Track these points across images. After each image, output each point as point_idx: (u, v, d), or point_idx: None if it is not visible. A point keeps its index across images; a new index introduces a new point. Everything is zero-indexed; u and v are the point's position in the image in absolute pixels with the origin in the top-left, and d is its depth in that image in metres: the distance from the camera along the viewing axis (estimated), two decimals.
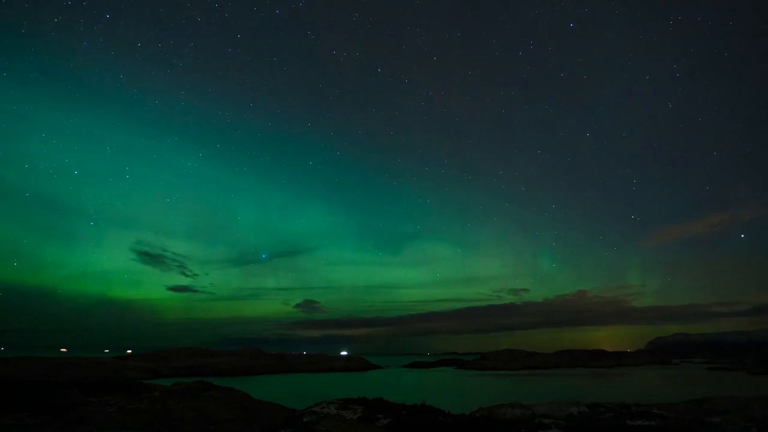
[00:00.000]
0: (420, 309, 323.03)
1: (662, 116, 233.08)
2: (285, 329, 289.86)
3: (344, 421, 14.69)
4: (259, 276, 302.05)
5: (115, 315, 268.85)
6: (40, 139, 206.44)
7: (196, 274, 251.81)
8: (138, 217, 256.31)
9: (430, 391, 51.30)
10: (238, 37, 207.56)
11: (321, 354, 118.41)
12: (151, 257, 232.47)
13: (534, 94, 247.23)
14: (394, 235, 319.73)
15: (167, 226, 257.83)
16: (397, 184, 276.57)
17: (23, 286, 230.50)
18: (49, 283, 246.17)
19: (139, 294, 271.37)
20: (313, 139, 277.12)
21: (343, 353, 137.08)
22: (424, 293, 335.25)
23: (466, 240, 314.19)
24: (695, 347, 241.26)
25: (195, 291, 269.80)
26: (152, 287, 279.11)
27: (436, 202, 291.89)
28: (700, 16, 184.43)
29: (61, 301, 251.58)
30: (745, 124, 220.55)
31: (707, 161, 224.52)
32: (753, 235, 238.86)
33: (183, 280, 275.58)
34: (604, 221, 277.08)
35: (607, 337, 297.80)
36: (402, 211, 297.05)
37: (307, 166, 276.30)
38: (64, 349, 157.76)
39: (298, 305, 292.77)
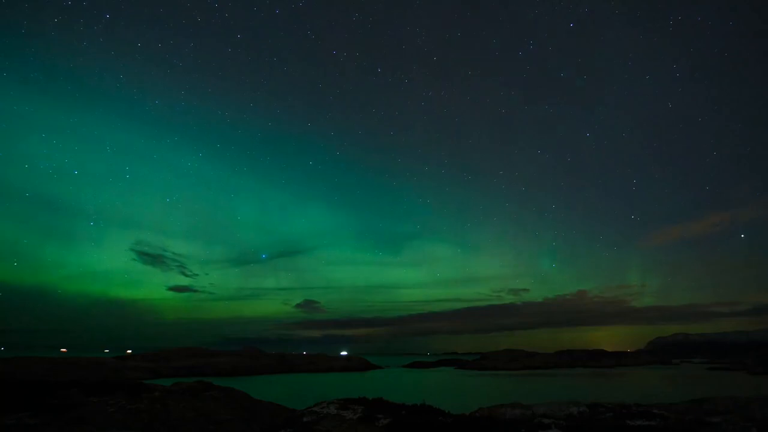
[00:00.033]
0: (420, 309, 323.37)
1: (662, 116, 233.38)
2: (285, 329, 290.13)
3: (344, 421, 14.69)
4: (259, 276, 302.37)
5: (115, 315, 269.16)
6: (40, 139, 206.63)
7: (196, 274, 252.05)
8: (138, 217, 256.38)
9: (430, 391, 51.31)
10: (238, 37, 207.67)
11: (321, 354, 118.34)
12: (151, 257, 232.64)
13: (534, 94, 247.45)
14: (394, 235, 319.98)
15: (167, 226, 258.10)
16: (397, 184, 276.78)
17: (23, 286, 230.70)
18: (49, 283, 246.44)
19: (139, 294, 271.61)
20: (313, 139, 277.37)
21: (344, 353, 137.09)
22: (424, 293, 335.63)
23: (466, 240, 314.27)
24: (695, 347, 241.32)
25: (195, 291, 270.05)
26: (153, 287, 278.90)
27: (436, 202, 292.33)
28: (700, 16, 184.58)
29: (61, 301, 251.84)
30: (745, 124, 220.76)
31: (707, 161, 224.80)
32: (753, 235, 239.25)
33: (183, 280, 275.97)
34: (604, 221, 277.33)
35: (607, 337, 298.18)
36: (402, 211, 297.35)
37: (307, 166, 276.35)
38: (64, 349, 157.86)
39: (298, 305, 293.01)
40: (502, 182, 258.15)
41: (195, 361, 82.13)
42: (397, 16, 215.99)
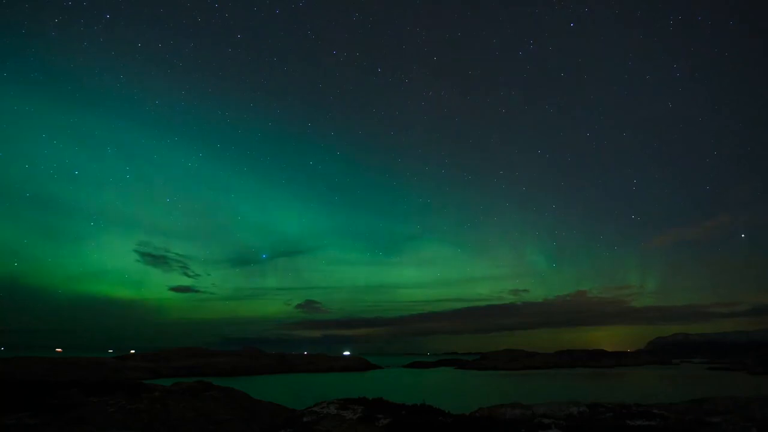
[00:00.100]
0: (420, 309, 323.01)
1: (662, 116, 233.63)
2: (286, 329, 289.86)
3: (344, 421, 14.69)
4: (259, 276, 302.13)
5: (116, 315, 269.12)
6: (40, 139, 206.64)
7: (198, 275, 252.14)
8: (138, 217, 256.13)
9: (430, 391, 51.29)
10: (238, 37, 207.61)
11: (321, 354, 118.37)
12: (154, 258, 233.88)
13: (534, 94, 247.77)
14: (394, 235, 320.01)
15: (167, 226, 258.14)
16: (397, 184, 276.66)
17: (23, 286, 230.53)
18: (49, 283, 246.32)
19: (140, 294, 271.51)
20: (313, 139, 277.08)
21: (346, 353, 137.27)
22: (424, 293, 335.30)
23: (466, 240, 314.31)
24: (695, 347, 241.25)
25: (197, 291, 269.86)
26: (154, 288, 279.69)
27: (436, 202, 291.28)
28: (700, 16, 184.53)
29: (62, 301, 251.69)
30: (745, 124, 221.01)
31: (707, 161, 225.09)
32: (753, 235, 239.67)
33: (185, 281, 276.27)
34: (604, 221, 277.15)
35: (607, 337, 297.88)
36: (402, 211, 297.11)
37: (307, 166, 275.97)
38: (59, 349, 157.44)
39: (299, 305, 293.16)
40: (502, 182, 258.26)
41: (195, 361, 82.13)
42: (397, 16, 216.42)
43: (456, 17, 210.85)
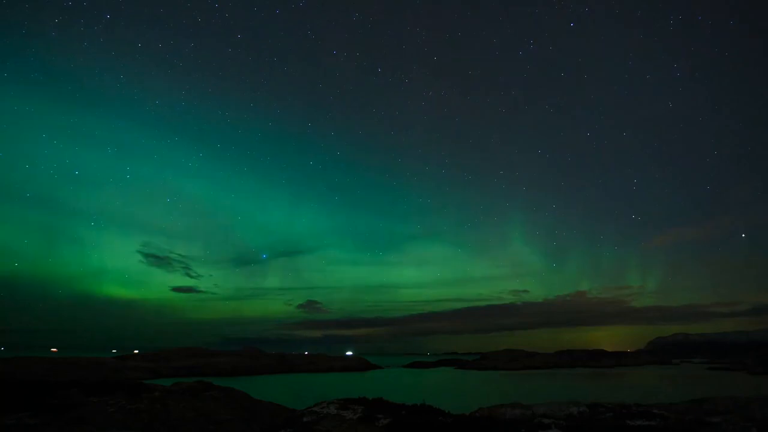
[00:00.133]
0: (420, 309, 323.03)
1: (662, 116, 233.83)
2: (286, 329, 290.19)
3: (344, 421, 14.69)
4: (259, 276, 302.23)
5: (116, 315, 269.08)
6: (40, 140, 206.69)
7: (200, 275, 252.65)
8: (138, 217, 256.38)
9: (430, 391, 51.29)
10: (238, 37, 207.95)
11: (321, 354, 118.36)
12: (156, 258, 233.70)
13: (534, 94, 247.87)
14: (394, 235, 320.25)
15: (167, 226, 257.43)
16: (397, 184, 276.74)
17: (23, 286, 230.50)
18: (49, 284, 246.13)
19: (140, 294, 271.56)
20: (313, 139, 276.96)
21: (348, 353, 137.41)
22: (424, 293, 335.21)
23: (466, 240, 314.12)
24: (695, 347, 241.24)
25: (199, 292, 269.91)
26: (156, 288, 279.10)
27: (436, 202, 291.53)
28: (700, 16, 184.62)
29: (62, 301, 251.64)
30: (745, 124, 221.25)
31: (707, 161, 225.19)
32: (753, 235, 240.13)
33: (187, 281, 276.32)
34: (604, 221, 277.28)
35: (607, 337, 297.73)
36: (402, 211, 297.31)
37: (307, 166, 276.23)
38: (54, 349, 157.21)
39: (300, 305, 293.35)
40: (502, 182, 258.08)
41: (195, 361, 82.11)
42: (397, 16, 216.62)
43: (456, 17, 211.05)
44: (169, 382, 23.20)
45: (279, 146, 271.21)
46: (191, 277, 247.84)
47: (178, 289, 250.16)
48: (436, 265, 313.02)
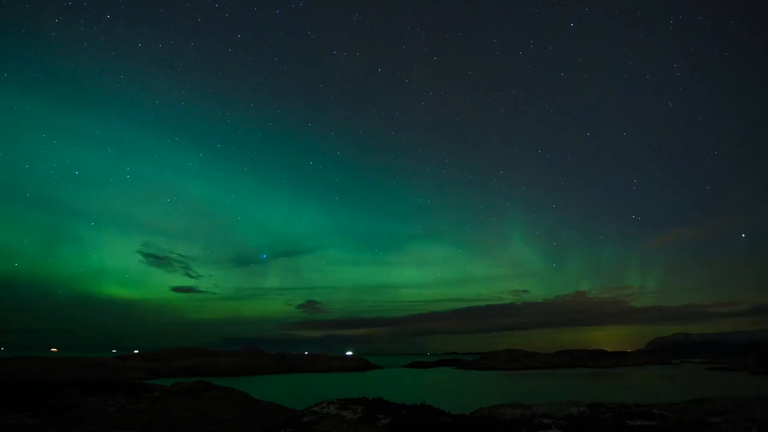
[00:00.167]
0: (420, 309, 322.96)
1: (662, 116, 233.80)
2: (287, 329, 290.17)
3: (344, 421, 14.69)
4: (260, 276, 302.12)
5: (116, 315, 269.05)
6: (40, 140, 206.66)
7: (200, 276, 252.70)
8: (138, 217, 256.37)
9: (430, 391, 51.30)
10: (238, 37, 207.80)
11: (321, 354, 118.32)
12: (157, 258, 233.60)
13: (534, 94, 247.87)
14: (394, 235, 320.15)
15: (167, 226, 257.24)
16: (397, 184, 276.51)
17: (23, 286, 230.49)
18: (49, 284, 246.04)
19: (141, 294, 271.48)
20: (313, 139, 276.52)
21: (349, 353, 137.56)
22: (424, 293, 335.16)
23: (466, 240, 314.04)
24: (695, 347, 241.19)
25: (199, 292, 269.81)
26: (156, 288, 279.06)
27: (436, 202, 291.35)
28: (700, 16, 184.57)
29: (61, 301, 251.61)
30: (745, 124, 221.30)
31: (707, 161, 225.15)
32: (753, 235, 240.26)
33: (187, 281, 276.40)
34: (604, 221, 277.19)
35: (607, 337, 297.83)
36: (402, 211, 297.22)
37: (307, 166, 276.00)
38: (54, 349, 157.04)
39: (300, 305, 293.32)
40: (502, 182, 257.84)
41: (195, 361, 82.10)
42: (397, 16, 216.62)
43: (456, 17, 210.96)
44: (169, 382, 23.20)
45: (279, 146, 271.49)
46: (191, 277, 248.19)
47: (178, 289, 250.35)
48: (436, 265, 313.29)
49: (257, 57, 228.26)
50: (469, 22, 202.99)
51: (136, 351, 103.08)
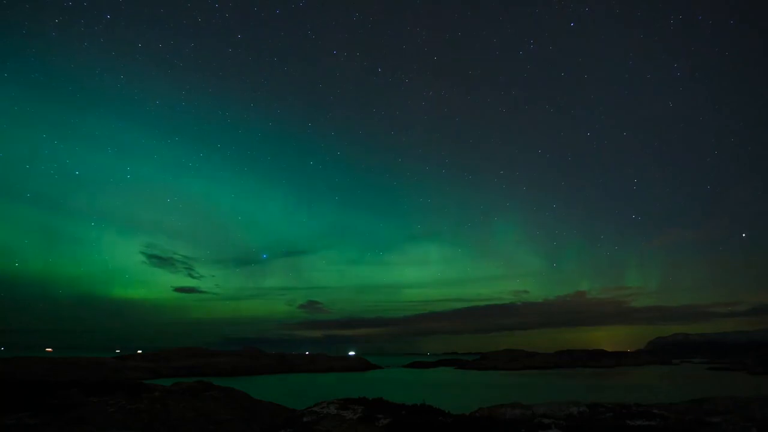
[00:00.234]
0: (420, 309, 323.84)
1: (662, 116, 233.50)
2: (288, 329, 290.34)
3: (344, 421, 14.69)
4: (260, 276, 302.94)
5: (116, 315, 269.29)
6: (40, 140, 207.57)
7: (203, 276, 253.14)
8: (138, 217, 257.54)
9: (430, 391, 51.28)
10: (238, 37, 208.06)
11: (321, 354, 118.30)
12: (160, 259, 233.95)
13: (534, 94, 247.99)
14: (394, 235, 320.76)
15: (168, 226, 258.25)
16: (397, 184, 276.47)
17: (24, 286, 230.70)
18: (50, 284, 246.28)
19: (141, 294, 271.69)
20: (313, 139, 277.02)
21: (351, 353, 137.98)
22: (424, 293, 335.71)
23: (466, 240, 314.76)
24: (695, 347, 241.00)
25: (201, 292, 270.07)
26: (157, 288, 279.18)
27: (436, 202, 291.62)
28: (701, 16, 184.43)
29: (62, 301, 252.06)
30: (745, 124, 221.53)
31: (707, 161, 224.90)
32: (753, 235, 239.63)
33: (190, 282, 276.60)
34: (604, 221, 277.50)
35: (606, 337, 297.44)
36: (402, 211, 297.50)
37: (307, 166, 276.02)
38: (49, 349, 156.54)
39: (301, 306, 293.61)
40: (502, 182, 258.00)
41: (195, 361, 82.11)
42: (397, 16, 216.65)
43: (456, 17, 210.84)
44: (169, 382, 23.20)
45: (279, 146, 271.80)
46: (193, 277, 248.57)
47: (180, 290, 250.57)
48: (436, 265, 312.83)
49: (257, 57, 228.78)
50: (469, 22, 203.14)
51: (139, 351, 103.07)
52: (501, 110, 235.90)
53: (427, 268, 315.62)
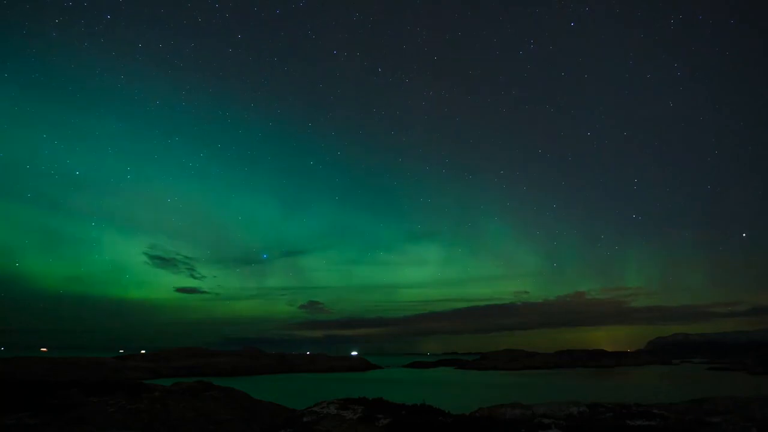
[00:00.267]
0: (420, 309, 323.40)
1: (662, 116, 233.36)
2: (288, 330, 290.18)
3: (344, 421, 14.69)
4: (261, 276, 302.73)
5: (117, 315, 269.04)
6: (40, 140, 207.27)
7: (204, 276, 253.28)
8: (139, 217, 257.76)
9: (430, 391, 51.25)
10: (238, 37, 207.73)
11: (321, 354, 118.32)
12: (162, 260, 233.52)
13: (534, 94, 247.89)
14: (394, 235, 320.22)
15: (168, 226, 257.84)
16: (397, 184, 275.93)
17: (24, 286, 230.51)
18: (50, 284, 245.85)
19: (142, 295, 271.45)
20: (313, 139, 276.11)
21: (354, 353, 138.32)
22: (424, 293, 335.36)
23: (466, 240, 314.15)
24: (695, 347, 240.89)
25: (203, 292, 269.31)
26: (158, 288, 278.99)
27: (436, 202, 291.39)
28: (701, 16, 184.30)
29: (63, 301, 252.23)
30: (746, 124, 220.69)
31: (707, 161, 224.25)
32: (753, 234, 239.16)
33: (192, 282, 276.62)
34: (604, 221, 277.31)
35: (606, 337, 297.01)
36: (402, 211, 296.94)
37: (307, 166, 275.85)
38: (44, 348, 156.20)
39: (302, 306, 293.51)
40: (502, 182, 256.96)
41: (195, 361, 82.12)
42: (397, 16, 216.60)
43: (456, 17, 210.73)
44: (169, 382, 23.19)
45: (279, 146, 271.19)
46: (195, 278, 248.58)
47: (182, 290, 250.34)
48: (436, 265, 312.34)
49: (257, 57, 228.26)
50: (469, 22, 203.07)
51: (143, 351, 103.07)
52: (501, 110, 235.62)
53: (427, 268, 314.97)
